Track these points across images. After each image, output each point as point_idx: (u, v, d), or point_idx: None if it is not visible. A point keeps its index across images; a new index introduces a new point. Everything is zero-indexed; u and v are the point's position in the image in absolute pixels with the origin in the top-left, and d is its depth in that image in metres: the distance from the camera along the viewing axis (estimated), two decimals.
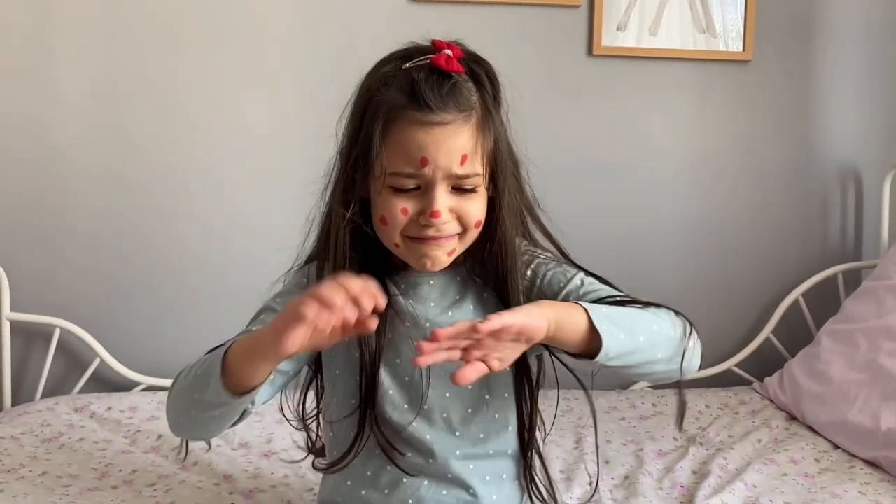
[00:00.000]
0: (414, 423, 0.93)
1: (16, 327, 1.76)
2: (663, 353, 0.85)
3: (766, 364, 1.90)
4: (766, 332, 1.92)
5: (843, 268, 1.92)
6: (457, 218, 0.89)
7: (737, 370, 1.93)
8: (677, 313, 0.90)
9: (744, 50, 1.90)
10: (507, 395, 0.96)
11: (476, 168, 0.88)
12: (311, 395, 1.05)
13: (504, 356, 0.76)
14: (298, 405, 1.05)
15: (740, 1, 1.89)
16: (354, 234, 0.92)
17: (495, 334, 0.72)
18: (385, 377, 0.93)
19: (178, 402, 0.90)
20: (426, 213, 0.86)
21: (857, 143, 1.98)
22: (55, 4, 1.75)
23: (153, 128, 1.80)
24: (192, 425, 0.90)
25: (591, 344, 0.79)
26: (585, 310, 0.80)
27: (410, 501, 0.93)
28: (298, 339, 0.71)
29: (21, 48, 1.75)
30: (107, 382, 1.80)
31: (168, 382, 1.78)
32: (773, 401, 1.74)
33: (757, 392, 1.81)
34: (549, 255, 1.00)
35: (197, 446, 1.42)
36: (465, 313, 0.95)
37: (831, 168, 1.98)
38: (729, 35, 1.90)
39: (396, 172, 0.86)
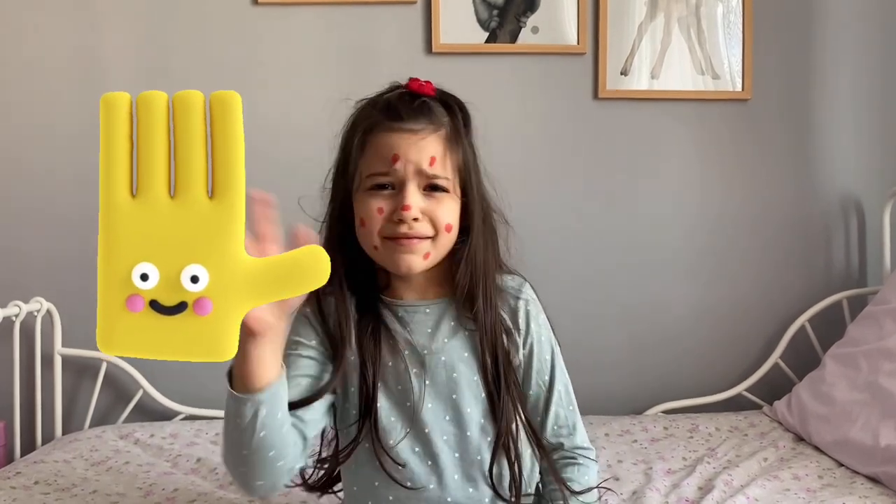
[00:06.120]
0: (417, 449, 0.99)
1: (66, 361, 1.90)
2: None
3: (775, 388, 1.96)
4: (775, 357, 1.99)
5: (847, 294, 1.99)
6: (428, 220, 0.96)
7: (747, 395, 1.99)
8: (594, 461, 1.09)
9: (743, 89, 2.01)
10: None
11: (445, 172, 0.97)
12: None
13: None
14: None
15: (738, 41, 2.00)
16: (348, 255, 1.00)
17: None
18: (383, 403, 0.99)
19: (224, 442, 0.87)
20: (398, 209, 0.94)
21: (856, 174, 2.05)
22: (102, 48, 1.93)
23: None
24: (236, 456, 0.85)
25: None
26: None
27: None
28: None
29: (70, 100, 1.93)
30: (149, 412, 1.93)
31: (206, 412, 1.91)
32: (782, 423, 1.79)
33: (766, 415, 1.86)
34: (548, 327, 1.09)
35: None
36: (460, 341, 1.02)
37: (833, 198, 2.05)
38: (728, 75, 2.01)
39: (372, 174, 0.96)
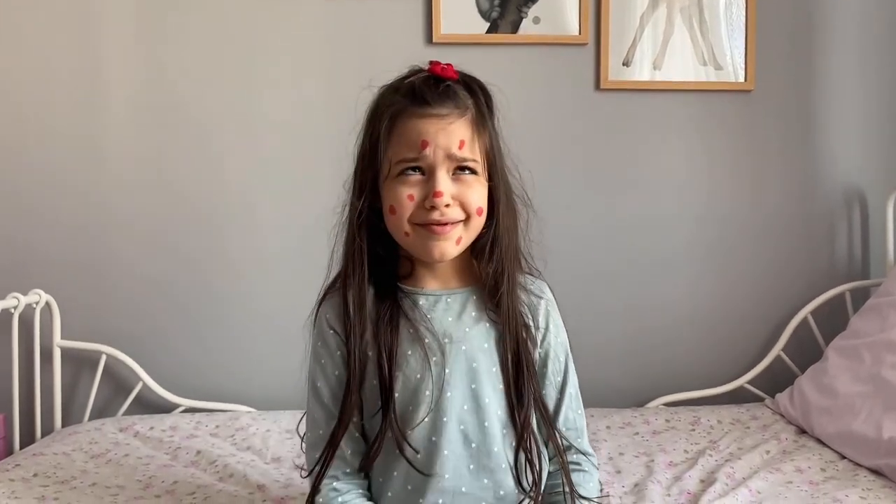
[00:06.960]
0: (434, 438, 0.98)
1: (66, 354, 1.89)
2: None
3: (777, 381, 1.96)
4: (777, 349, 1.98)
5: (850, 286, 1.98)
6: (459, 205, 0.96)
7: (749, 387, 1.98)
8: (596, 468, 1.11)
9: (745, 80, 1.99)
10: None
11: (474, 155, 0.97)
12: None
13: None
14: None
15: (741, 32, 1.99)
16: (372, 244, 1.00)
17: None
18: (402, 391, 0.98)
19: None
20: (430, 196, 0.94)
21: (860, 166, 2.04)
22: (103, 46, 1.92)
23: (190, 174, 1.93)
24: None
25: None
26: None
27: (441, 502, 0.99)
28: None
29: (74, 109, 1.92)
30: (149, 405, 1.92)
31: (205, 404, 1.91)
32: (784, 415, 1.79)
33: (769, 408, 1.86)
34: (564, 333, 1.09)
35: (234, 461, 1.53)
36: (481, 330, 1.02)
37: (836, 190, 2.04)
38: (731, 66, 1.99)
39: (401, 160, 0.96)
